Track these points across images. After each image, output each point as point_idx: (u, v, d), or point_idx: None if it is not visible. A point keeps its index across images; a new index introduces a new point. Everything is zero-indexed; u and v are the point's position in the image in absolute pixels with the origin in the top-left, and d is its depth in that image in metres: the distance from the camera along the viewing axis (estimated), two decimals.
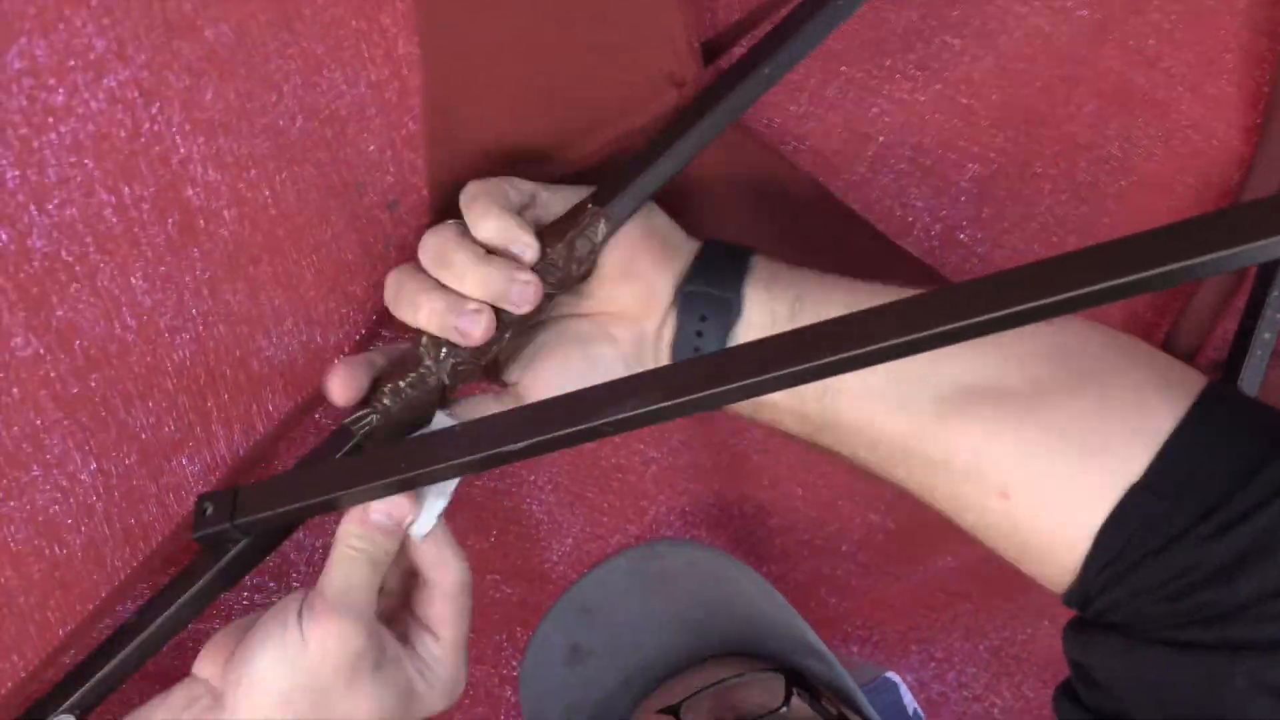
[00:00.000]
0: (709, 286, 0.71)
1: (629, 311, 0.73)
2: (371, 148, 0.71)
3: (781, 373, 0.56)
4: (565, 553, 1.06)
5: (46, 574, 0.70)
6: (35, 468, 0.66)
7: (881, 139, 0.87)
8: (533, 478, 1.01)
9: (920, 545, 1.10)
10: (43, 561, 0.69)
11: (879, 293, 0.70)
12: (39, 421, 0.65)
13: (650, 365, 0.73)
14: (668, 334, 0.72)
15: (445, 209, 0.74)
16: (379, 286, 0.74)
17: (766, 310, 0.70)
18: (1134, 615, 0.62)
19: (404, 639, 0.71)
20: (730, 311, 0.70)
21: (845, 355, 0.54)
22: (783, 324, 0.69)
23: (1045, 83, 0.86)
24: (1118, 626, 0.62)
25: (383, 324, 0.78)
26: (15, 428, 0.65)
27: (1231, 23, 0.84)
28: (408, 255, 0.75)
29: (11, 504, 0.67)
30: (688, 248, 0.74)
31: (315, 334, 0.73)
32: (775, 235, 0.87)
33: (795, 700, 0.83)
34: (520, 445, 0.63)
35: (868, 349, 0.54)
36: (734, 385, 0.57)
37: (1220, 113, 0.86)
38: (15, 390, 0.64)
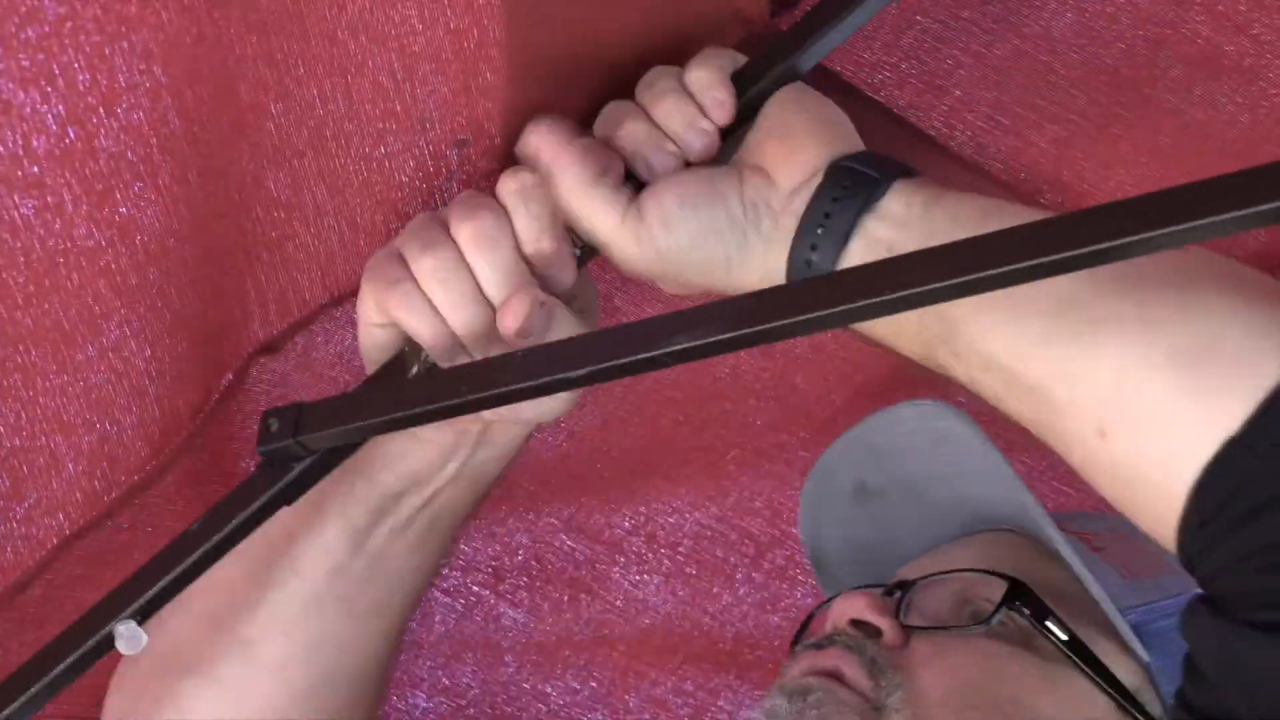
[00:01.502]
0: (863, 165, 0.73)
1: (771, 166, 0.75)
2: (445, 90, 0.77)
3: (839, 309, 0.59)
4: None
5: (96, 445, 0.78)
6: (91, 348, 0.75)
7: (958, 93, 0.89)
8: None
9: None
10: (93, 434, 0.77)
11: (1006, 211, 0.70)
12: (97, 308, 0.73)
13: (760, 233, 0.75)
14: (799, 203, 0.74)
15: (514, 155, 0.79)
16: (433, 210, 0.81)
17: (903, 201, 0.72)
18: (1233, 588, 0.58)
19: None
20: (872, 192, 0.72)
21: (912, 291, 0.57)
22: (916, 216, 0.71)
23: (1129, 44, 0.88)
24: (1218, 601, 0.59)
25: None
26: (73, 310, 0.73)
27: None
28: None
29: (65, 378, 0.74)
30: (852, 140, 0.77)
31: (359, 238, 0.81)
32: None
33: (1008, 615, 0.80)
34: (582, 372, 0.67)
35: (938, 285, 0.57)
36: (794, 320, 0.60)
37: None
38: (75, 276, 0.72)
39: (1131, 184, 0.92)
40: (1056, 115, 0.90)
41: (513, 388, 0.68)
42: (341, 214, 0.78)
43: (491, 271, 0.73)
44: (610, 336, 0.68)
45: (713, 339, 0.61)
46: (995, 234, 0.58)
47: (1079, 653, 0.78)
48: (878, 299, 0.58)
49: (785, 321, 0.60)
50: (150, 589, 0.74)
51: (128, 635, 0.73)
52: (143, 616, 0.74)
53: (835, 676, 0.79)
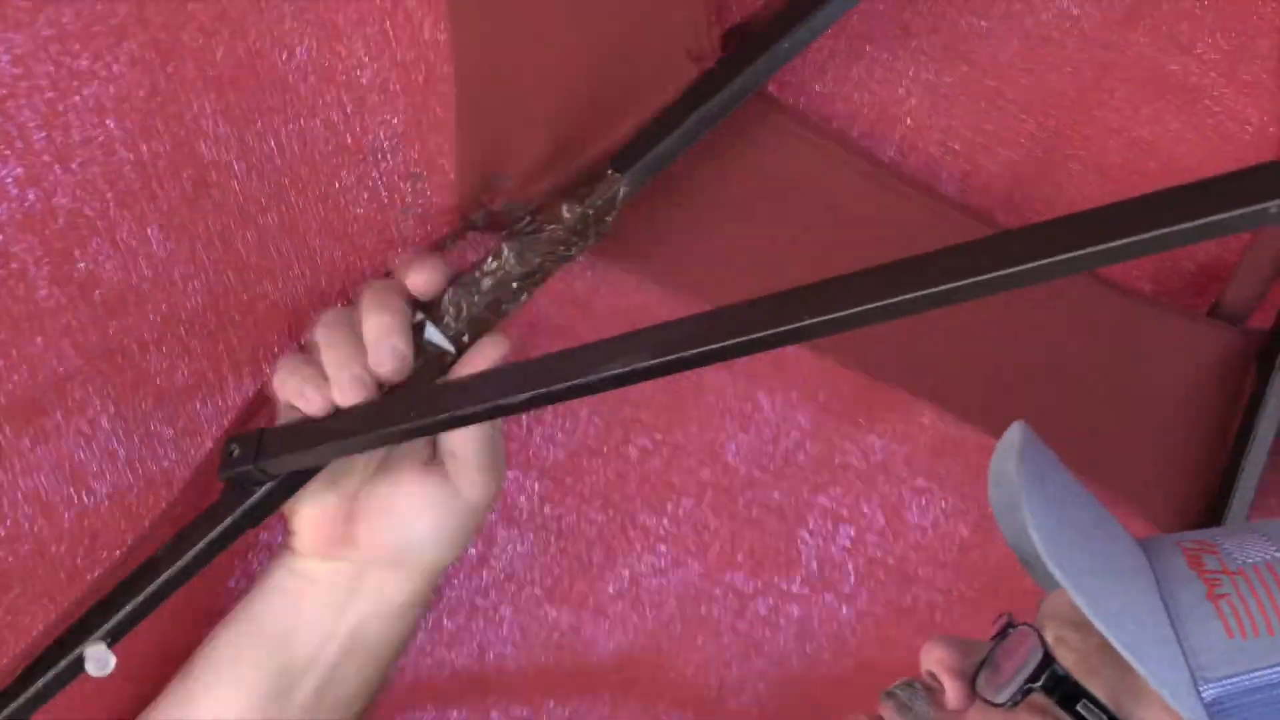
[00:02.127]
0: None
1: None
2: (395, 120, 0.78)
3: (767, 333, 0.60)
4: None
5: (76, 522, 0.77)
6: (58, 413, 0.74)
7: (910, 121, 0.89)
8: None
9: None
10: (72, 509, 0.77)
11: None
12: (61, 369, 0.75)
13: None
14: None
15: (472, 194, 0.81)
16: (390, 243, 0.81)
17: None
18: None
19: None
20: None
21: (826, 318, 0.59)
22: None
23: (1075, 67, 0.90)
24: None
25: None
26: (40, 375, 0.73)
27: (1266, 8, 0.84)
28: (427, 226, 0.82)
29: (39, 451, 0.74)
30: None
31: (319, 279, 0.81)
32: (812, 208, 0.91)
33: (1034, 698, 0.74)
34: (521, 398, 0.69)
35: (848, 312, 0.58)
36: (724, 344, 0.61)
37: (1254, 99, 0.89)
38: (39, 339, 0.72)
39: (1082, 203, 0.93)
40: (1007, 139, 0.92)
41: (458, 413, 0.70)
42: (304, 259, 0.78)
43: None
44: (546, 364, 0.69)
45: (649, 363, 0.63)
46: (954, 249, 0.58)
47: None
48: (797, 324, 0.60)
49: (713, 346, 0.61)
50: (119, 612, 0.76)
51: (97, 658, 0.75)
52: (112, 639, 0.76)
53: None
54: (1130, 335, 0.97)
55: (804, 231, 0.89)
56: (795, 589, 1.07)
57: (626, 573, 1.07)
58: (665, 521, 1.06)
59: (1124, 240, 0.53)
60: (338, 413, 0.77)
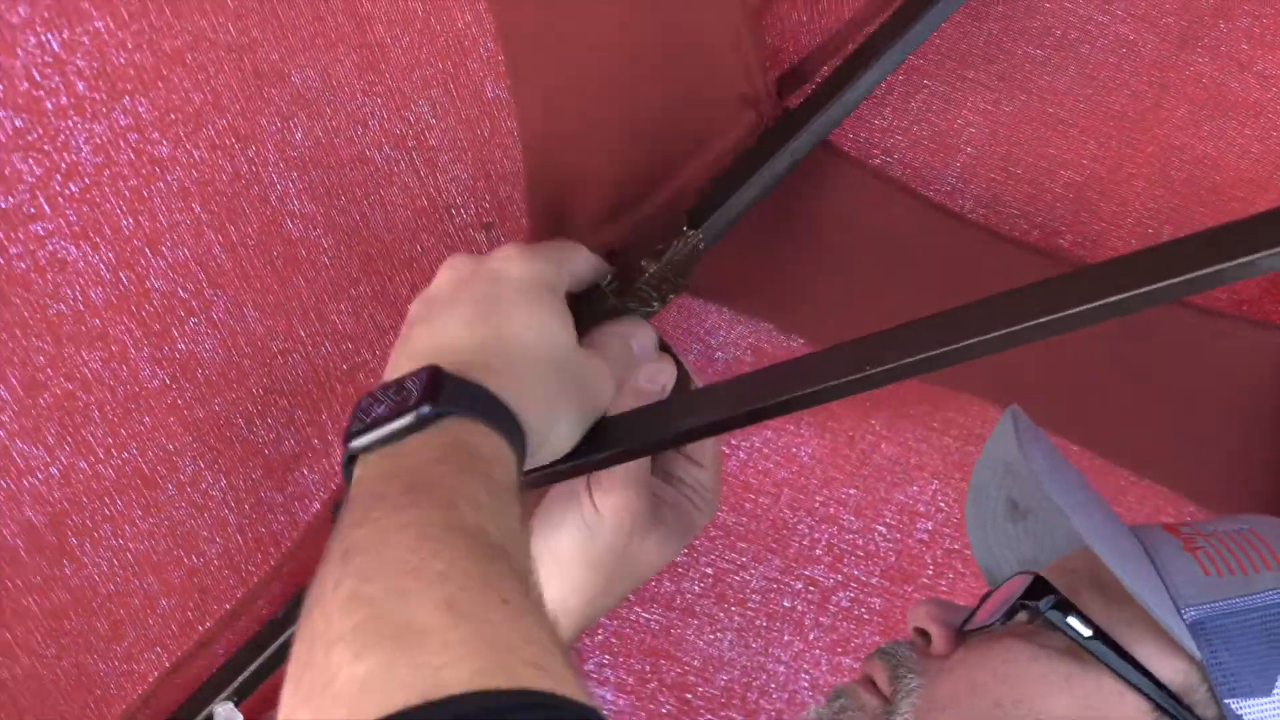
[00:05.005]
0: None
1: None
2: (465, 175, 0.80)
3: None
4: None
5: (186, 579, 0.81)
6: (170, 487, 0.78)
7: (970, 150, 0.90)
8: None
9: None
10: (182, 569, 0.80)
11: None
12: (171, 445, 0.76)
13: None
14: None
15: (541, 237, 0.82)
16: None
17: None
18: None
19: (670, 476, 0.80)
20: None
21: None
22: None
23: (1133, 89, 0.90)
24: None
25: None
26: (150, 453, 0.75)
27: None
28: None
29: (151, 521, 0.77)
30: None
31: None
32: (875, 256, 0.93)
33: (1023, 614, 0.77)
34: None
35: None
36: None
37: None
38: (147, 419, 0.75)
39: (1149, 218, 0.93)
40: (1069, 161, 0.92)
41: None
42: (398, 327, 0.77)
43: None
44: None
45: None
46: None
47: (1105, 650, 0.74)
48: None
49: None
50: (243, 672, 0.80)
51: (225, 716, 0.79)
52: (239, 698, 0.80)
53: (871, 681, 0.79)
54: (1202, 346, 0.96)
55: (872, 271, 0.91)
56: (875, 581, 1.10)
57: (710, 570, 1.10)
58: (744, 519, 1.09)
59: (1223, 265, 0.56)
60: None
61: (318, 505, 0.83)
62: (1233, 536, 0.78)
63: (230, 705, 0.80)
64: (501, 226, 0.82)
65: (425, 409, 0.62)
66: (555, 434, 0.69)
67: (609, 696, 1.10)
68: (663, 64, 0.80)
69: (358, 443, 0.62)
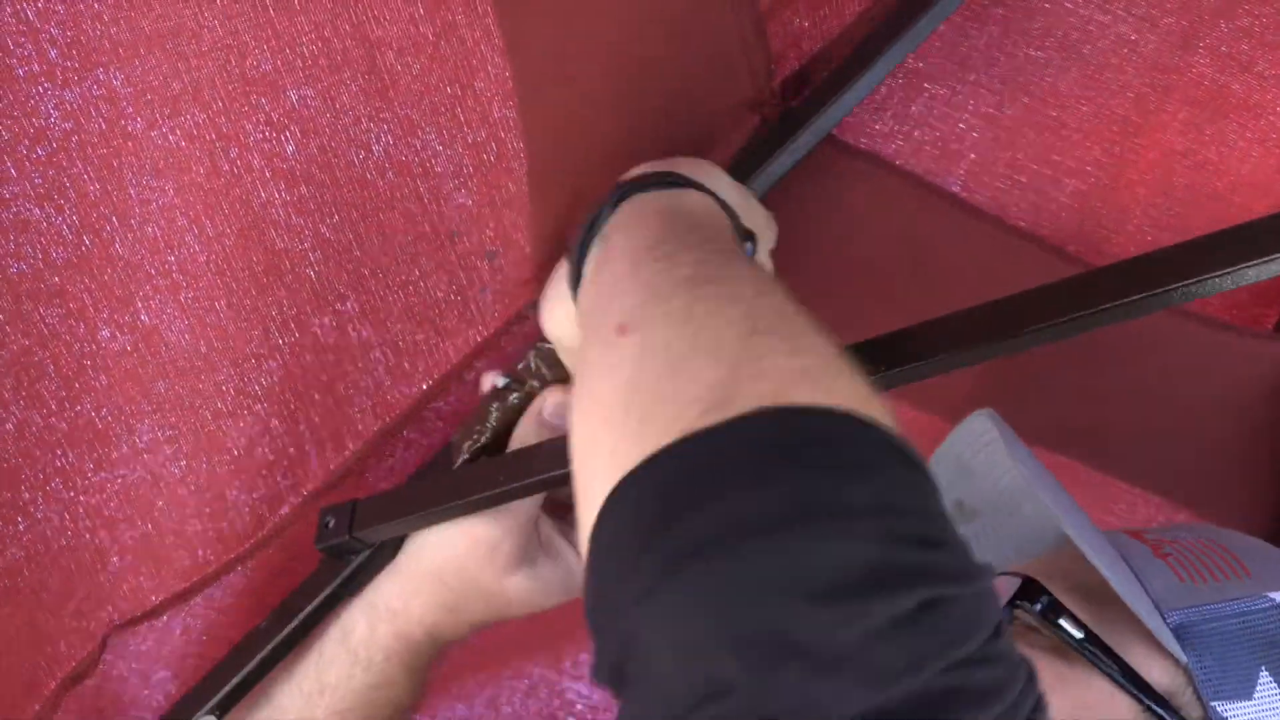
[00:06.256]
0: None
1: None
2: (469, 202, 0.77)
3: None
4: None
5: (139, 542, 0.77)
6: (124, 447, 0.75)
7: (973, 156, 0.88)
8: None
9: None
10: (134, 531, 0.77)
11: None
12: (128, 408, 0.73)
13: None
14: None
15: (545, 264, 0.79)
16: (471, 321, 0.81)
17: None
18: None
19: (569, 526, 0.79)
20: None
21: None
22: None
23: (1136, 92, 0.87)
24: None
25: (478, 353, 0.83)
26: (105, 410, 0.73)
27: None
28: (505, 303, 0.81)
29: (102, 475, 0.75)
30: None
31: (403, 361, 0.80)
32: (889, 242, 0.91)
33: (1018, 614, 0.76)
34: None
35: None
36: None
37: None
38: (103, 378, 0.72)
39: (1149, 226, 0.91)
40: (1073, 169, 0.89)
41: (544, 476, 0.70)
42: (386, 343, 0.79)
43: None
44: None
45: None
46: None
47: (1096, 652, 0.74)
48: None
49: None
50: (226, 685, 0.78)
51: None
52: (221, 711, 0.78)
53: None
54: (1196, 353, 0.94)
55: (879, 267, 0.88)
56: None
57: None
58: None
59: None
60: (429, 482, 0.78)
61: (285, 509, 0.80)
62: (1197, 545, 0.79)
63: (213, 719, 0.78)
64: (506, 253, 0.79)
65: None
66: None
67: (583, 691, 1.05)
68: (670, 73, 0.78)
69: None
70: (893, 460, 0.48)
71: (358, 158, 0.72)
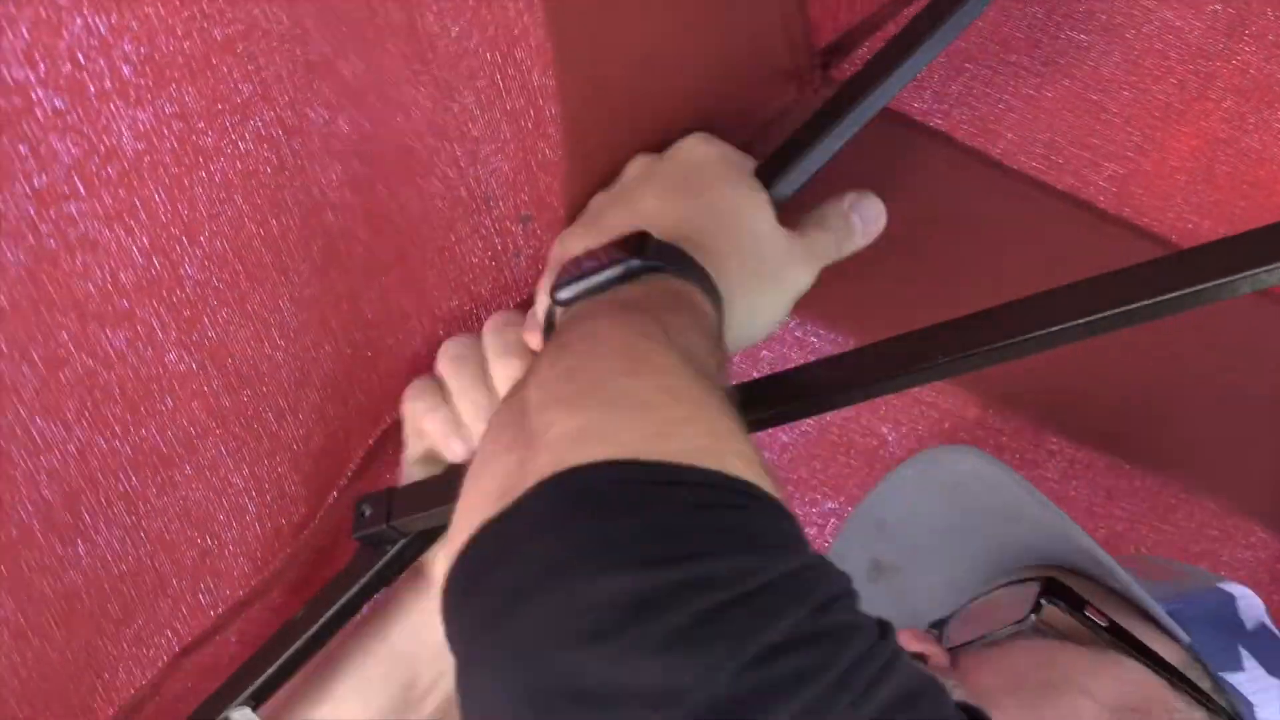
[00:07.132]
0: None
1: None
2: (506, 167, 0.77)
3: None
4: None
5: (198, 561, 0.78)
6: (188, 468, 0.75)
7: (1011, 136, 0.88)
8: None
9: None
10: (194, 550, 0.77)
11: None
12: (192, 429, 0.74)
13: None
14: None
15: None
16: (506, 288, 0.81)
17: None
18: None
19: None
20: None
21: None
22: None
23: (1180, 79, 0.87)
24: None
25: None
26: (169, 433, 0.73)
27: None
28: (539, 266, 0.81)
29: (165, 499, 0.75)
30: None
31: (438, 329, 0.80)
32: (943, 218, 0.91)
33: (1049, 609, 0.80)
34: None
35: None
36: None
37: None
38: (169, 400, 0.72)
39: (1190, 212, 0.91)
40: (1112, 152, 0.89)
41: None
42: (424, 313, 0.79)
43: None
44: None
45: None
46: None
47: (1124, 636, 0.79)
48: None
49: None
50: (261, 675, 0.78)
51: None
52: (256, 702, 0.77)
53: None
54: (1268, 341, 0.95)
55: (945, 246, 0.89)
56: None
57: None
58: None
59: None
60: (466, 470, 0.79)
61: (334, 495, 0.80)
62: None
63: (247, 710, 0.77)
64: (540, 217, 0.80)
65: (635, 261, 0.63)
66: (743, 316, 0.70)
67: None
68: (708, 40, 0.78)
69: (565, 293, 0.64)
70: (655, 492, 0.49)
71: (398, 122, 0.72)
